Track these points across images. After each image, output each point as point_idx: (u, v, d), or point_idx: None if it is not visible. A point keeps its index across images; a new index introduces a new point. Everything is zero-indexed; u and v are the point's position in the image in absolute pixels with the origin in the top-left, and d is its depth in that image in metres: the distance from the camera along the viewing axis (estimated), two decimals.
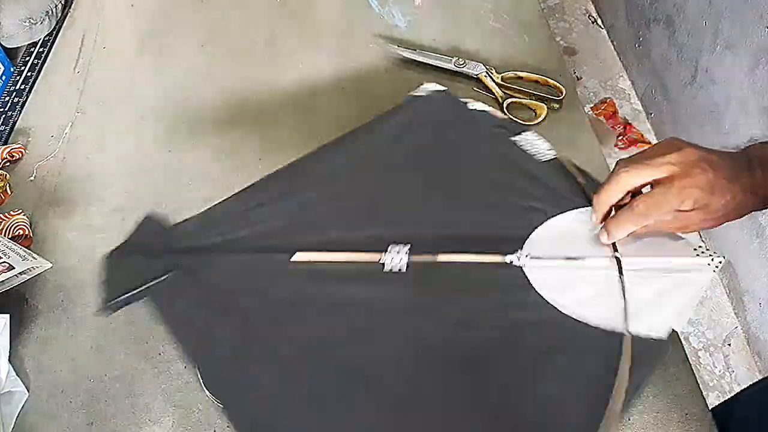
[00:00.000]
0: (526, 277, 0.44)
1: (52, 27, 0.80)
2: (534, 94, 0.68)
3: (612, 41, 1.83)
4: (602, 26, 1.88)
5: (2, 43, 0.76)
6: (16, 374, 0.50)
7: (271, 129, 0.68)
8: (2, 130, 0.68)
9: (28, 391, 0.50)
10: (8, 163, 0.65)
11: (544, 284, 0.44)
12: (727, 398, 0.61)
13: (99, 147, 0.68)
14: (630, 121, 1.65)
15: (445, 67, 0.71)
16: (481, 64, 0.70)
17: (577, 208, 0.47)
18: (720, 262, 0.43)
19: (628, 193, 0.44)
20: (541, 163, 0.52)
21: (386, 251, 0.45)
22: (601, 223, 0.45)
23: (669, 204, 0.41)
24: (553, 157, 0.53)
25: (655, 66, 1.57)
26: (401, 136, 0.56)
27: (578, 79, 1.72)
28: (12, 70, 0.76)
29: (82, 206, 0.62)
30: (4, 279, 0.50)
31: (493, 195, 0.50)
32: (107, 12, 0.82)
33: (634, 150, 1.59)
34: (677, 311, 0.42)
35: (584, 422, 0.38)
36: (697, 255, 0.43)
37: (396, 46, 0.73)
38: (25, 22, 0.75)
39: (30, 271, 0.53)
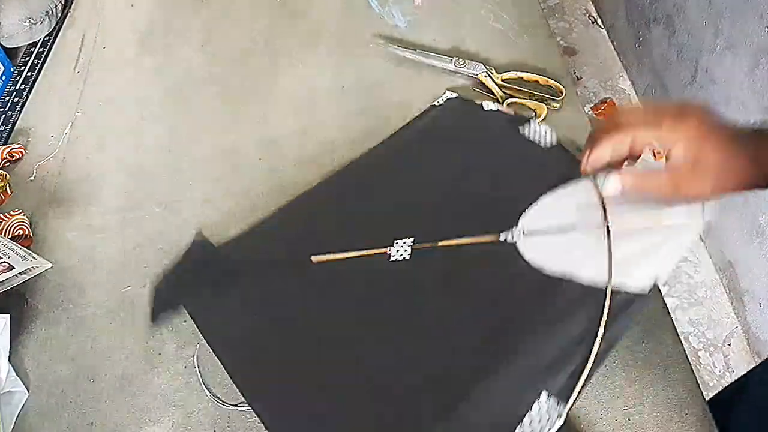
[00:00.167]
0: (520, 253, 0.47)
1: (52, 27, 0.80)
2: (534, 94, 0.68)
3: (612, 41, 1.83)
4: (602, 26, 1.87)
5: (2, 43, 0.76)
6: (16, 374, 0.50)
7: (271, 129, 0.68)
8: (2, 130, 0.68)
9: (28, 391, 0.50)
10: (8, 163, 0.65)
11: (536, 256, 0.46)
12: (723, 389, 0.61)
13: (99, 147, 0.68)
14: None
15: (445, 67, 0.71)
16: (481, 64, 0.70)
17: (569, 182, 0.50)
18: (709, 219, 0.43)
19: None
20: (545, 149, 0.56)
21: (392, 245, 0.50)
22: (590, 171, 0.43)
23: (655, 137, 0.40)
24: (555, 142, 0.56)
25: (655, 66, 1.57)
26: (419, 144, 0.60)
27: (578, 79, 1.72)
28: (12, 70, 0.76)
29: (82, 206, 0.63)
30: (4, 279, 0.50)
31: (499, 185, 0.54)
32: (107, 12, 0.82)
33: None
34: (662, 265, 0.43)
35: (561, 376, 0.41)
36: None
37: (396, 46, 0.73)
38: (25, 22, 0.75)
39: (30, 271, 0.53)
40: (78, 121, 0.69)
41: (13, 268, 0.51)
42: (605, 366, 0.50)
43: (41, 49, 0.78)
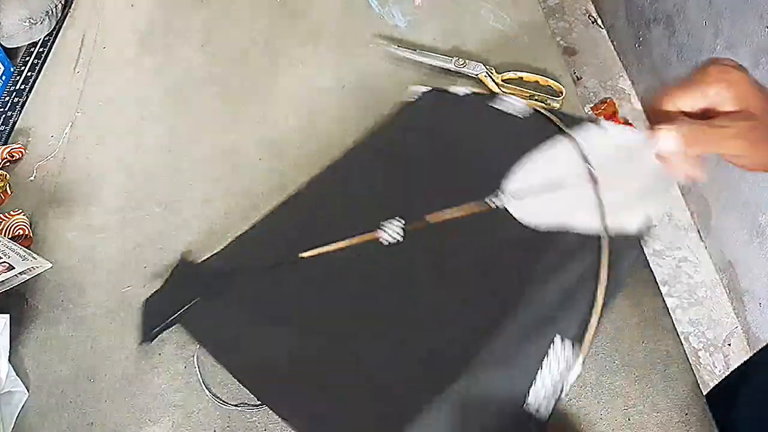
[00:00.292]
0: (511, 215, 0.47)
1: (52, 27, 0.80)
2: (534, 94, 0.68)
3: (612, 41, 1.83)
4: (602, 26, 1.88)
5: (2, 43, 0.76)
6: (16, 374, 0.50)
7: (271, 129, 0.68)
8: (2, 130, 0.68)
9: (28, 391, 0.50)
10: (8, 163, 0.65)
11: (528, 216, 0.47)
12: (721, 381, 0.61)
13: (99, 147, 0.68)
14: (630, 121, 1.65)
15: (445, 67, 0.71)
16: (481, 64, 0.70)
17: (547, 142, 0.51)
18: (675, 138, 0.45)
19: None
20: (522, 119, 0.55)
21: (381, 229, 0.49)
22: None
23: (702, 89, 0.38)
24: (530, 112, 0.55)
25: (655, 66, 1.57)
26: (398, 136, 0.60)
27: (578, 79, 1.72)
28: (12, 70, 0.76)
29: (82, 206, 0.63)
30: (4, 279, 0.50)
31: (480, 158, 0.54)
32: (107, 12, 0.82)
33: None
34: (652, 206, 0.44)
35: (572, 322, 0.41)
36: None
37: (396, 46, 0.73)
38: (25, 22, 0.75)
39: (30, 271, 0.53)
40: (78, 121, 0.69)
41: (13, 268, 0.51)
42: (605, 366, 0.50)
43: (41, 49, 0.78)
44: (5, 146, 0.65)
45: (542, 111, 0.54)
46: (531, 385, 0.38)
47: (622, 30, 1.74)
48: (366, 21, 0.78)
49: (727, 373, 0.60)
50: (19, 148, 0.65)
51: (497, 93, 0.58)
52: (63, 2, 0.81)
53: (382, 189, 0.55)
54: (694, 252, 1.38)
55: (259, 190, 0.62)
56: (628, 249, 0.42)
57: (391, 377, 0.43)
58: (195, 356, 0.51)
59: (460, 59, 0.70)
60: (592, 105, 1.67)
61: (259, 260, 0.52)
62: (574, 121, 0.50)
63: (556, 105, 0.67)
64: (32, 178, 0.64)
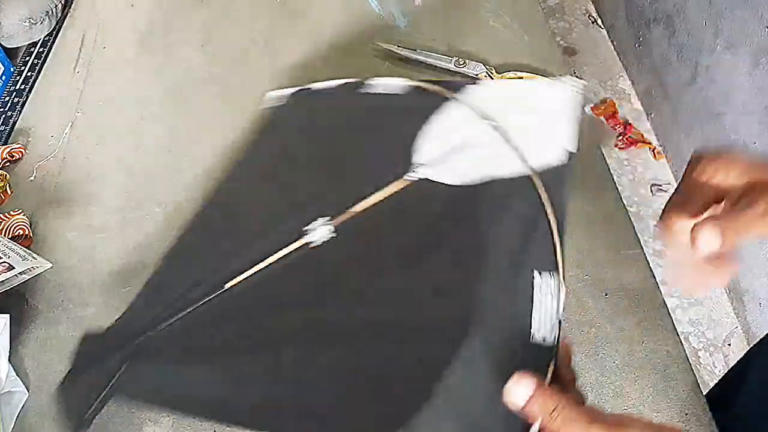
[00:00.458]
0: (434, 181, 0.47)
1: (52, 27, 0.80)
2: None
3: (612, 41, 1.83)
4: (602, 26, 1.88)
5: (2, 43, 0.76)
6: (16, 374, 0.50)
7: None
8: (2, 130, 0.68)
9: (28, 391, 0.50)
10: (8, 163, 0.65)
11: (450, 177, 0.47)
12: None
13: (99, 147, 0.68)
14: (630, 121, 1.65)
15: (445, 67, 0.71)
16: (481, 64, 0.70)
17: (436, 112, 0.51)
18: (576, 85, 0.48)
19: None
20: (401, 96, 0.54)
21: (306, 233, 0.46)
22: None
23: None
24: (408, 87, 0.54)
25: (655, 66, 1.57)
26: (278, 145, 0.57)
27: (578, 79, 1.72)
28: (12, 70, 0.76)
29: (82, 206, 0.62)
30: (4, 279, 0.50)
31: (373, 144, 0.53)
32: (107, 12, 0.82)
33: (633, 150, 1.59)
34: (564, 132, 0.46)
35: (540, 255, 0.41)
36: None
37: (396, 46, 0.73)
38: (25, 22, 0.75)
39: (30, 271, 0.53)
40: (78, 121, 0.69)
41: (13, 268, 0.51)
42: (605, 366, 0.50)
43: (41, 49, 0.78)
44: (5, 146, 0.65)
45: (419, 83, 0.54)
46: (531, 324, 0.38)
47: (622, 30, 1.74)
48: (366, 21, 0.78)
49: (725, 372, 0.59)
50: (19, 148, 0.65)
51: (362, 80, 0.57)
52: (63, 2, 0.81)
53: (287, 196, 0.52)
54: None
55: None
56: (559, 177, 0.44)
57: (387, 371, 0.41)
58: None
59: (460, 59, 0.70)
60: (592, 105, 1.67)
61: (180, 302, 0.45)
62: (456, 86, 0.51)
63: None
64: (32, 178, 0.64)
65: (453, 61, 0.71)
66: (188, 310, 0.44)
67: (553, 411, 0.30)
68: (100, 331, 0.47)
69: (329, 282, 0.45)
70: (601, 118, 1.64)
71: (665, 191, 1.51)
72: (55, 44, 0.79)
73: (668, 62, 1.49)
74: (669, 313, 0.53)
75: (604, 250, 0.57)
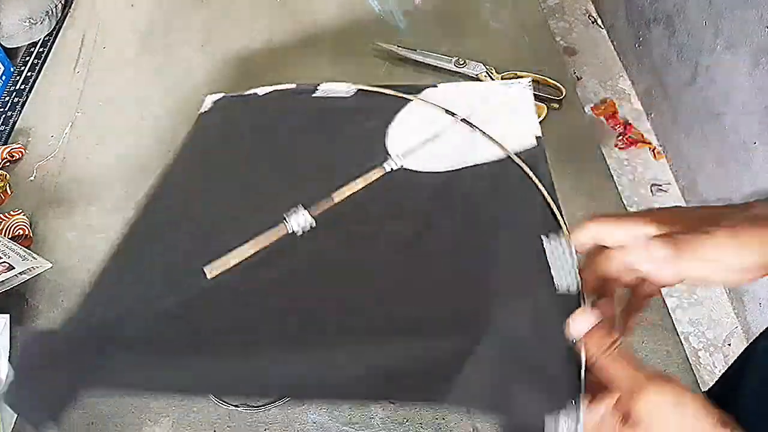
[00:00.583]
0: (410, 170, 0.49)
1: (52, 27, 0.80)
2: (534, 94, 0.68)
3: (612, 41, 1.83)
4: (602, 26, 1.88)
5: (2, 43, 0.76)
6: None
7: None
8: (2, 130, 0.68)
9: None
10: (8, 163, 0.65)
11: (425, 165, 0.49)
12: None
13: (99, 147, 0.68)
14: (630, 121, 1.65)
15: (445, 67, 0.71)
16: (481, 64, 0.70)
17: (397, 112, 0.54)
18: (529, 83, 0.54)
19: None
20: (348, 98, 0.57)
21: (287, 221, 0.46)
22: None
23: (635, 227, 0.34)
24: (355, 90, 0.57)
25: (655, 66, 1.57)
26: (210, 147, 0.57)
27: (578, 79, 1.72)
28: (12, 70, 0.76)
29: (82, 206, 0.62)
30: (4, 279, 0.50)
31: (339, 142, 0.55)
32: (107, 12, 0.82)
33: (634, 150, 1.59)
34: (527, 121, 0.51)
35: (541, 220, 0.43)
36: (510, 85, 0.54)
37: (396, 46, 0.73)
38: (25, 22, 0.75)
39: (30, 271, 0.53)
40: (78, 121, 0.69)
41: (13, 268, 0.51)
42: None
43: (41, 49, 0.78)
44: (5, 146, 0.65)
45: (365, 87, 0.57)
46: (553, 282, 0.39)
47: (622, 30, 1.74)
48: (366, 21, 0.78)
49: (725, 370, 0.59)
50: (19, 148, 0.65)
51: (313, 86, 0.60)
52: (63, 2, 0.81)
53: (256, 191, 0.52)
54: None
55: None
56: (535, 158, 0.47)
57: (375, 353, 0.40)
58: None
59: (460, 59, 0.70)
60: (592, 105, 1.67)
61: (156, 291, 0.43)
62: (403, 89, 0.56)
63: (556, 105, 0.67)
64: (32, 178, 0.64)
65: (453, 61, 0.71)
66: (166, 298, 0.42)
67: (606, 348, 0.32)
68: (54, 327, 0.42)
69: (314, 268, 0.44)
70: (601, 118, 1.64)
71: (665, 191, 1.51)
72: (55, 44, 0.78)
73: (668, 62, 1.49)
74: (669, 313, 0.53)
75: None
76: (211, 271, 0.43)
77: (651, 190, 1.54)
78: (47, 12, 0.78)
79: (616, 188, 0.61)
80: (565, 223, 0.42)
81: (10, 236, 0.57)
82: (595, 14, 1.92)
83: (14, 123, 0.69)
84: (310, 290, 0.43)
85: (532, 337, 0.37)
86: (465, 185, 0.47)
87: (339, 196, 0.47)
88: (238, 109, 0.61)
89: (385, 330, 0.40)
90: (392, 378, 0.38)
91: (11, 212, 0.59)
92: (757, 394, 0.53)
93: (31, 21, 0.76)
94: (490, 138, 0.50)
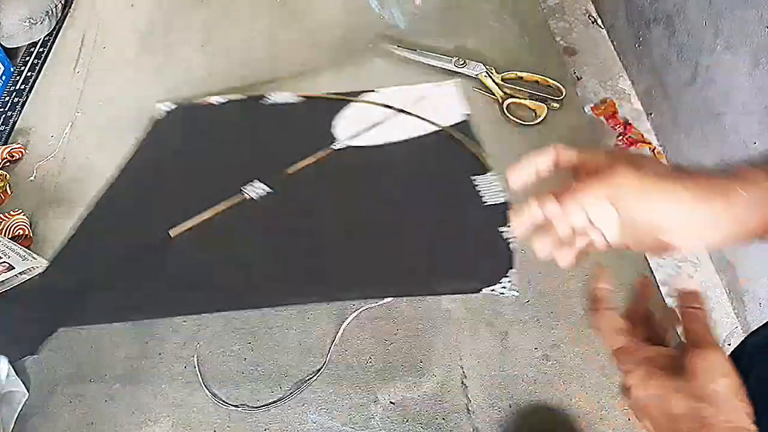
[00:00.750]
0: (357, 146, 0.59)
1: (52, 27, 0.80)
2: (534, 94, 0.68)
3: (612, 41, 1.83)
4: (602, 26, 1.87)
5: (2, 43, 0.76)
6: (16, 374, 0.50)
7: None
8: (2, 130, 0.68)
9: (28, 391, 0.50)
10: (8, 163, 0.65)
11: (370, 143, 0.60)
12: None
13: (99, 147, 0.68)
14: (630, 121, 1.65)
15: (445, 67, 0.71)
16: (481, 64, 0.70)
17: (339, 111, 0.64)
18: (458, 83, 0.66)
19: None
20: (295, 104, 0.67)
21: (243, 190, 0.54)
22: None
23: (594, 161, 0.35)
24: (301, 98, 0.67)
25: (655, 66, 1.57)
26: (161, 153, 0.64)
27: (578, 79, 1.72)
28: (12, 70, 0.76)
29: (82, 206, 0.62)
30: (4, 279, 0.50)
31: (290, 135, 0.64)
32: (107, 12, 0.82)
33: (634, 150, 1.58)
34: (454, 102, 0.63)
35: (471, 166, 0.56)
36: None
37: (396, 46, 0.73)
38: (25, 22, 0.75)
39: (30, 271, 0.53)
40: (78, 121, 0.69)
41: (13, 268, 0.51)
42: (605, 366, 0.50)
43: (41, 49, 0.78)
44: (5, 146, 0.65)
45: (310, 95, 0.67)
46: (481, 196, 0.52)
47: (622, 30, 1.74)
48: (366, 21, 0.78)
49: None
50: (19, 148, 0.65)
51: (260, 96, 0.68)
52: (63, 2, 0.81)
53: (218, 167, 0.60)
54: (694, 252, 1.38)
55: None
56: (466, 128, 0.59)
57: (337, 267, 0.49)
58: (195, 356, 0.51)
59: (460, 59, 0.70)
60: (592, 105, 1.67)
61: (126, 245, 0.51)
62: (346, 95, 0.66)
63: (556, 105, 0.67)
64: (32, 178, 0.64)
65: (453, 61, 0.71)
66: (138, 251, 0.50)
67: (630, 371, 0.31)
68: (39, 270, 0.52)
69: (270, 226, 0.53)
70: (601, 118, 1.64)
71: None
72: (55, 44, 0.78)
73: (668, 62, 1.49)
74: None
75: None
76: (175, 231, 0.51)
77: None
78: (47, 12, 0.78)
79: None
80: (490, 167, 0.54)
81: (10, 236, 0.57)
82: (595, 14, 1.92)
83: (14, 123, 0.69)
84: (270, 241, 0.52)
85: (473, 228, 0.50)
86: (406, 151, 0.58)
87: (292, 169, 0.57)
88: (193, 114, 0.68)
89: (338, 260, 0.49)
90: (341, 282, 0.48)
91: (11, 212, 0.59)
92: (753, 393, 0.52)
93: (31, 21, 0.76)
94: (425, 119, 0.61)
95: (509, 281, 0.46)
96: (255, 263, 0.48)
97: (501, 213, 0.49)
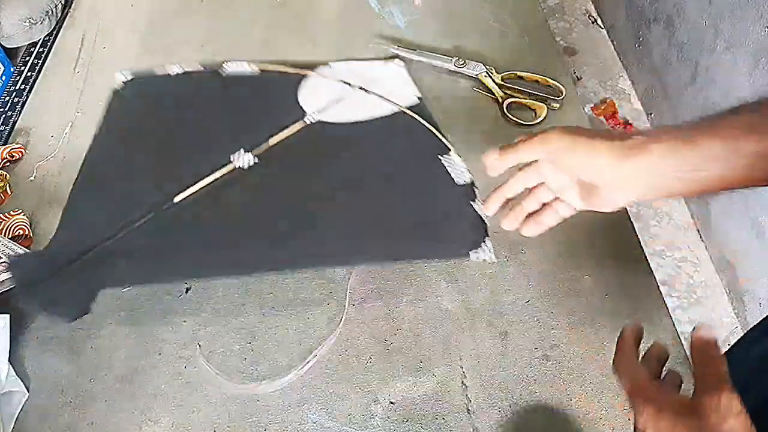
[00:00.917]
0: (327, 122, 0.65)
1: (52, 27, 0.80)
2: (534, 94, 0.68)
3: (612, 41, 1.83)
4: (602, 26, 1.88)
5: (2, 43, 0.76)
6: (16, 374, 0.50)
7: None
8: (2, 130, 0.68)
9: (28, 391, 0.50)
10: (8, 163, 0.65)
11: (337, 118, 0.65)
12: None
13: None
14: (630, 121, 1.65)
15: (445, 67, 0.71)
16: (481, 64, 0.70)
17: (298, 84, 0.69)
18: (401, 64, 0.72)
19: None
20: (253, 76, 0.71)
21: (231, 161, 0.60)
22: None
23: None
24: (258, 69, 0.71)
25: (655, 66, 1.57)
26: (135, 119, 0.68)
27: (578, 79, 1.72)
28: (12, 70, 0.76)
29: None
30: (4, 279, 0.50)
31: (261, 106, 0.68)
32: (107, 12, 0.82)
33: None
34: (408, 87, 0.69)
35: (436, 148, 0.62)
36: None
37: (396, 46, 0.73)
38: (25, 22, 0.75)
39: None
40: (78, 121, 0.69)
41: None
42: (605, 366, 0.50)
43: (41, 49, 0.78)
44: (5, 146, 0.65)
45: (266, 66, 0.71)
46: (451, 176, 0.59)
47: (622, 30, 1.74)
48: (366, 21, 0.78)
49: None
50: (19, 148, 0.65)
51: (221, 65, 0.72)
52: (63, 2, 0.81)
53: (204, 137, 0.64)
54: (694, 252, 1.38)
55: None
56: (423, 110, 0.66)
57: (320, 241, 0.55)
58: (197, 343, 0.51)
59: (460, 59, 0.70)
60: (592, 105, 1.67)
61: (138, 212, 0.55)
62: (301, 66, 0.71)
63: (556, 105, 0.67)
64: (32, 178, 0.64)
65: (453, 61, 0.71)
66: (149, 216, 0.56)
67: (642, 410, 0.32)
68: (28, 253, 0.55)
69: (258, 192, 0.58)
70: (601, 118, 1.64)
71: None
72: (55, 44, 0.78)
73: (668, 62, 1.49)
74: (669, 313, 0.53)
75: (604, 250, 0.57)
76: (179, 196, 0.56)
77: None
78: (47, 12, 0.78)
79: None
80: (452, 146, 0.62)
81: (10, 236, 0.57)
82: (595, 14, 1.92)
83: (14, 123, 0.69)
84: (258, 207, 0.57)
85: (448, 202, 0.57)
86: (375, 129, 0.64)
87: (273, 140, 0.62)
88: (153, 85, 0.71)
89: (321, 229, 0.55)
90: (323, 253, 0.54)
91: (11, 212, 0.59)
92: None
93: (31, 21, 0.76)
94: (385, 98, 0.66)
95: (488, 248, 0.54)
96: (261, 229, 0.55)
97: (470, 189, 0.58)
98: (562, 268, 0.56)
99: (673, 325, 0.52)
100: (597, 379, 0.49)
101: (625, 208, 0.60)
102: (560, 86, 0.68)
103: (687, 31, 1.39)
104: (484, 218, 0.55)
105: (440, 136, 0.62)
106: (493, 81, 0.69)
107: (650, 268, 0.56)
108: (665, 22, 1.49)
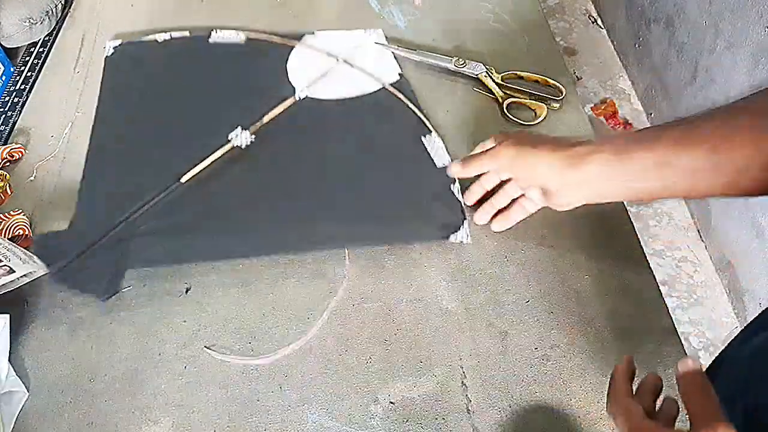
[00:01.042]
0: (316, 98, 0.67)
1: (52, 27, 0.80)
2: (534, 94, 0.68)
3: (612, 41, 1.83)
4: (602, 26, 1.88)
5: (2, 43, 0.76)
6: (16, 374, 0.50)
7: None
8: (2, 130, 0.68)
9: (28, 391, 0.50)
10: (8, 163, 0.65)
11: (325, 95, 0.67)
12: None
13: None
14: (630, 121, 1.65)
15: (445, 67, 0.71)
16: (481, 64, 0.70)
17: (285, 55, 0.72)
18: (381, 34, 0.75)
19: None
20: (241, 45, 0.74)
21: (229, 140, 0.62)
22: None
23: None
24: (245, 37, 0.74)
25: (655, 66, 1.57)
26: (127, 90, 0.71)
27: (578, 79, 1.72)
28: (12, 70, 0.76)
29: None
30: (4, 282, 0.50)
31: (249, 79, 0.70)
32: (107, 12, 0.82)
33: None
34: (389, 63, 0.72)
35: (418, 128, 0.65)
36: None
37: (396, 46, 0.73)
38: (25, 22, 0.75)
39: (31, 274, 0.53)
40: (78, 121, 0.69)
41: (14, 271, 0.51)
42: (606, 366, 0.50)
43: (41, 49, 0.78)
44: (5, 146, 0.65)
45: (253, 35, 0.74)
46: (432, 160, 0.61)
47: (622, 30, 1.74)
48: (366, 21, 0.78)
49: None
50: (19, 148, 0.65)
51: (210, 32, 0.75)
52: (63, 2, 0.81)
53: (198, 116, 0.66)
54: (694, 252, 1.38)
55: None
56: (405, 88, 0.68)
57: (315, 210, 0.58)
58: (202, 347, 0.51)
59: (460, 59, 0.70)
60: (592, 105, 1.67)
61: (149, 193, 0.58)
62: (288, 36, 0.73)
63: (556, 105, 0.67)
64: (32, 178, 0.64)
65: (453, 61, 0.71)
66: (160, 197, 0.58)
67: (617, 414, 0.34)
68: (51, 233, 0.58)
69: (258, 169, 0.61)
70: (601, 118, 1.64)
71: None
72: (55, 44, 0.78)
73: (668, 62, 1.49)
74: (669, 313, 0.53)
75: (604, 250, 0.57)
76: (186, 177, 0.59)
77: None
78: (47, 12, 0.78)
79: None
80: (433, 127, 0.64)
81: (9, 236, 0.57)
82: (595, 14, 1.92)
83: (14, 123, 0.69)
84: (260, 184, 0.60)
85: (429, 184, 0.59)
86: (356, 109, 0.66)
87: (267, 117, 0.64)
88: (142, 54, 0.73)
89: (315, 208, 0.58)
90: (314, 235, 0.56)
91: (11, 212, 0.59)
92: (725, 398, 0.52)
93: (31, 21, 0.76)
94: (369, 73, 0.69)
95: (466, 231, 0.56)
96: (268, 208, 0.58)
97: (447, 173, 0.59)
98: (562, 268, 0.56)
99: (673, 325, 0.52)
100: (597, 379, 0.49)
101: (625, 209, 0.60)
102: (560, 86, 0.68)
103: (687, 31, 1.39)
104: (462, 201, 0.58)
105: (422, 116, 0.64)
106: (493, 81, 0.69)
107: (650, 268, 0.56)
108: (665, 22, 1.49)
